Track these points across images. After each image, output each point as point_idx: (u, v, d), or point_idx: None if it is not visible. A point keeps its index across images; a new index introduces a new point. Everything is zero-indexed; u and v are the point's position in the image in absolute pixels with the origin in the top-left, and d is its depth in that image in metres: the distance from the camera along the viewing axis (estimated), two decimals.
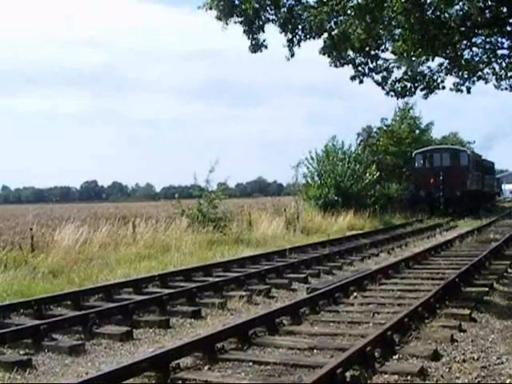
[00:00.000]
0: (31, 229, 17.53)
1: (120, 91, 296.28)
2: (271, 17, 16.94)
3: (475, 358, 7.76)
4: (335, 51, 18.93)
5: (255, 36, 16.97)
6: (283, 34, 17.35)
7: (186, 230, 21.88)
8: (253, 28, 16.80)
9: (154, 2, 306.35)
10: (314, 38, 17.81)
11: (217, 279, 13.80)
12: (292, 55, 17.75)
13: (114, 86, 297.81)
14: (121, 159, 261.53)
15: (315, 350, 8.15)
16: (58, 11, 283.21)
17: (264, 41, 17.18)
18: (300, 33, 17.37)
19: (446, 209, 37.83)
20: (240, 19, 16.59)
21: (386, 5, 16.06)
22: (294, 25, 17.14)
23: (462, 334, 9.02)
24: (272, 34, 17.80)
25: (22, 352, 8.59)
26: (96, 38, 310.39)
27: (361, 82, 20.97)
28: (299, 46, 17.53)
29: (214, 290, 12.74)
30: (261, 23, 16.86)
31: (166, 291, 12.27)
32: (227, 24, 16.54)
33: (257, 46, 17.10)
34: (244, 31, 16.79)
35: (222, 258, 17.89)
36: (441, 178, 37.61)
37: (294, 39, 17.42)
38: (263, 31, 17.05)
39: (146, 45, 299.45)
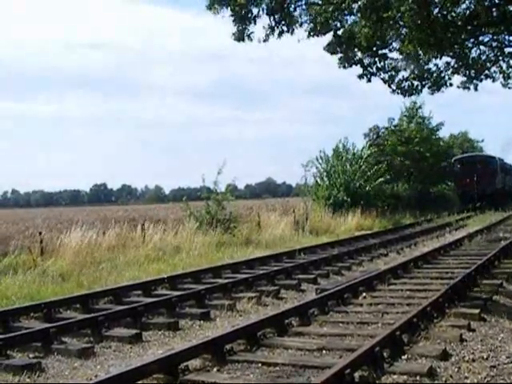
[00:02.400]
0: (40, 233, 17.58)
1: (128, 93, 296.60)
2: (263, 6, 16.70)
3: (484, 357, 7.74)
4: (341, 49, 18.86)
5: (244, 26, 16.67)
6: (269, 19, 17.05)
7: (195, 231, 21.89)
8: (244, 20, 16.55)
9: (160, 4, 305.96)
10: (318, 35, 17.74)
11: (226, 281, 13.81)
12: (265, 40, 17.41)
13: (121, 88, 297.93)
14: (130, 162, 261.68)
15: (324, 351, 8.15)
16: (63, 13, 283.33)
17: (251, 33, 16.86)
18: (284, 26, 17.12)
19: (479, 203, 43.91)
20: (231, 12, 16.33)
21: (391, 4, 16.04)
22: (282, 16, 16.92)
23: (471, 333, 8.99)
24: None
25: (31, 355, 8.62)
26: (103, 40, 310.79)
27: (368, 80, 20.98)
28: (280, 37, 17.23)
29: (223, 291, 12.75)
30: (252, 15, 16.64)
31: (175, 293, 12.29)
32: (218, 13, 16.29)
33: (242, 35, 16.79)
34: (234, 20, 16.47)
35: (230, 260, 17.89)
36: (475, 179, 44.68)
37: (276, 30, 17.16)
38: (255, 23, 16.80)
39: (153, 46, 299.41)
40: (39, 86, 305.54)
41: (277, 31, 17.16)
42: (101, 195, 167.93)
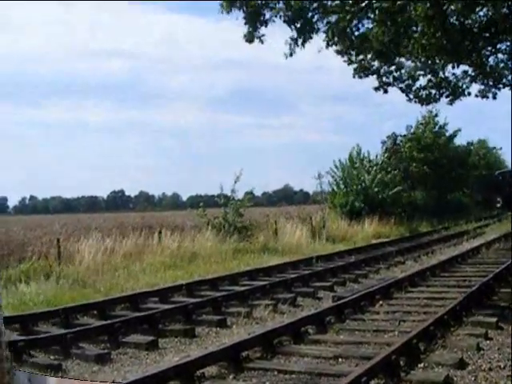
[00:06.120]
0: (58, 239, 17.65)
1: (145, 101, 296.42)
2: (278, 10, 16.57)
3: (501, 366, 7.69)
4: (354, 51, 18.73)
5: (255, 27, 16.52)
6: (290, 29, 16.94)
7: (212, 238, 21.89)
8: (256, 22, 16.42)
9: (179, 12, 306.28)
10: (336, 45, 17.68)
11: (242, 288, 13.82)
12: (291, 54, 17.39)
13: (139, 95, 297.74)
14: (147, 169, 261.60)
15: (340, 359, 8.14)
16: (82, 21, 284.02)
17: (263, 35, 16.71)
18: (307, 34, 17.03)
19: None
20: (243, 14, 16.15)
21: (407, 9, 15.96)
22: (303, 25, 16.82)
23: (488, 342, 8.94)
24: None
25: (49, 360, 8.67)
26: (122, 47, 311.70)
27: (385, 91, 20.83)
28: (303, 47, 17.17)
29: (240, 299, 12.76)
30: (265, 18, 16.55)
31: (192, 300, 12.32)
32: (228, 12, 16.10)
33: (252, 36, 16.67)
34: (245, 20, 16.30)
35: (247, 267, 17.88)
36: None
37: (299, 40, 17.09)
38: (266, 26, 16.69)
39: (171, 54, 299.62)
40: (56, 93, 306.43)
41: (300, 40, 17.10)
42: (118, 202, 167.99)
